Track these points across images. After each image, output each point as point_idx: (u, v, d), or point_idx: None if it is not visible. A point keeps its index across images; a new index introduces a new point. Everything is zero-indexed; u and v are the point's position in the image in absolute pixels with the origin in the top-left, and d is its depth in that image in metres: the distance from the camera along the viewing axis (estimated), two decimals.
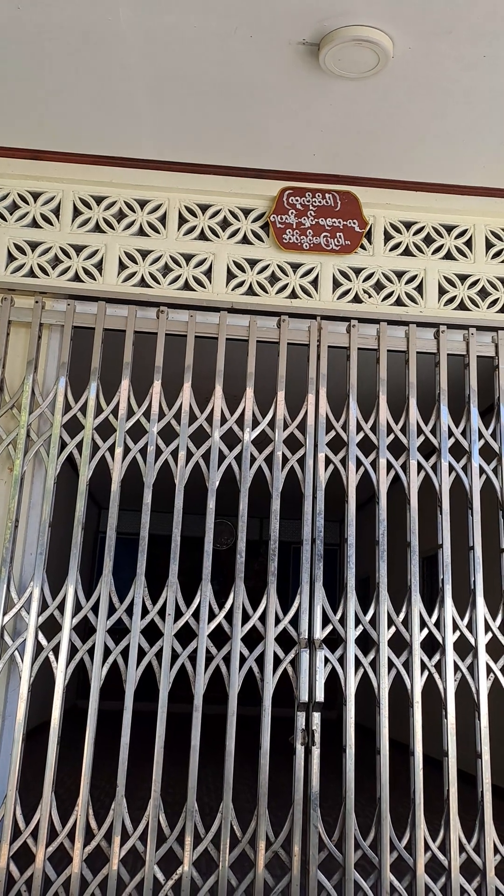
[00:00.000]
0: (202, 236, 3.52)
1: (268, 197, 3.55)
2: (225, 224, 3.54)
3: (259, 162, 3.49)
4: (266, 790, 2.89)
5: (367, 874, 2.86)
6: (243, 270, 3.48)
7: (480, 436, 3.36)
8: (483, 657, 3.14)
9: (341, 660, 3.06)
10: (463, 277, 3.59)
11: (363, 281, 3.55)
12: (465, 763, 3.12)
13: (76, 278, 3.40)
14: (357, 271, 3.56)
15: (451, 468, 3.32)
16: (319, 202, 3.55)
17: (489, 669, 3.13)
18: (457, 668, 3.11)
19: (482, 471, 3.32)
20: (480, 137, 3.20)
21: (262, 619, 3.08)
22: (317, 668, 3.00)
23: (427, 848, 2.90)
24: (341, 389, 3.42)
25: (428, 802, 3.09)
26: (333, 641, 3.07)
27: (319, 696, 2.96)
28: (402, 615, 3.14)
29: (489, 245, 3.64)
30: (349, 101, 2.98)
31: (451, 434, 3.35)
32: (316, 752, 2.92)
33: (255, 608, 3.07)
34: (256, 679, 3.00)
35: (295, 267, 3.52)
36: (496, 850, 2.92)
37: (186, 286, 3.44)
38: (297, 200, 3.54)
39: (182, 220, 3.52)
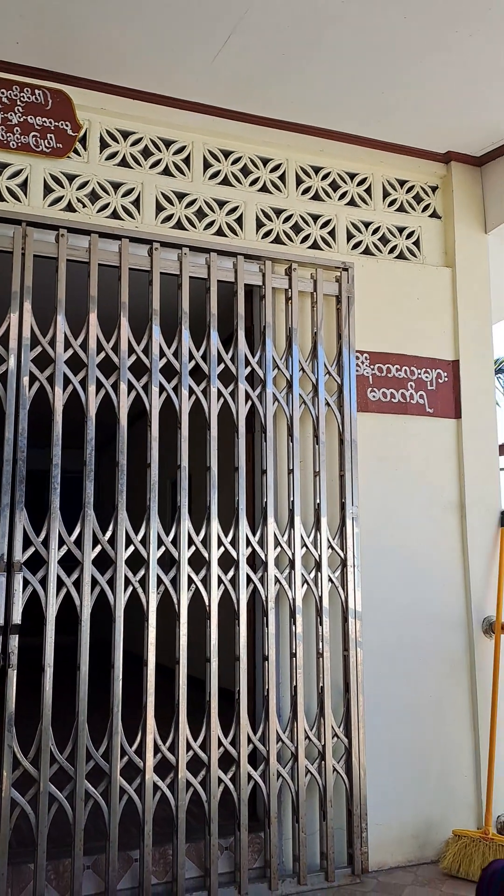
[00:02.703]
0: None
1: None
2: None
3: None
4: None
5: (63, 785, 2.91)
6: None
7: (191, 357, 3.40)
8: (215, 570, 3.27)
9: (44, 581, 3.01)
10: (181, 195, 3.55)
11: (77, 189, 3.37)
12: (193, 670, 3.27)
13: None
14: (70, 178, 3.36)
15: (163, 389, 3.32)
16: (28, 98, 3.27)
17: (220, 581, 3.28)
18: (190, 581, 3.24)
19: (191, 392, 3.37)
20: (188, 49, 3.12)
21: None
22: (14, 590, 2.93)
23: (124, 753, 3.01)
24: (50, 302, 3.25)
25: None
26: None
27: (17, 618, 2.91)
28: (111, 533, 3.15)
29: (207, 165, 3.62)
30: None
31: (162, 355, 3.35)
32: (13, 673, 2.87)
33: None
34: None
35: (0, 167, 3.24)
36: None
37: None
38: (2, 93, 3.23)
39: None
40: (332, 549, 3.52)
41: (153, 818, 3.03)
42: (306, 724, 3.34)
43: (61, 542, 3.06)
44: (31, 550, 3.03)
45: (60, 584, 3.03)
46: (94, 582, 3.08)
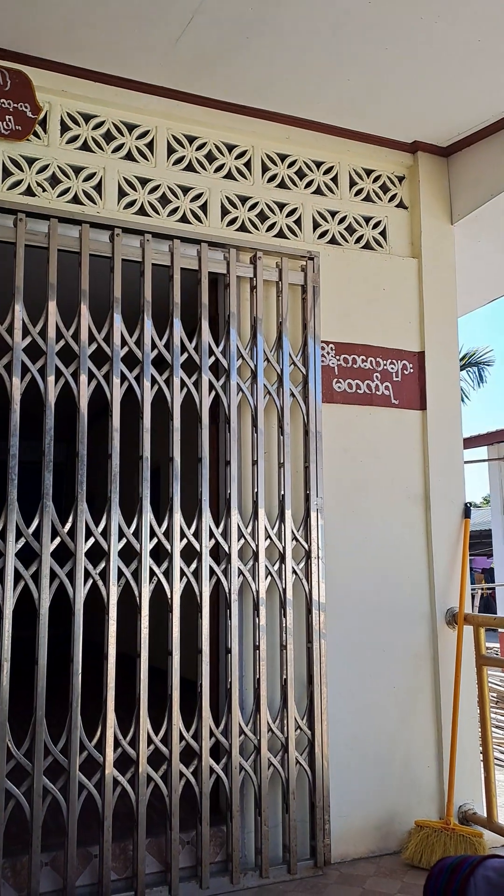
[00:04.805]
0: None
1: None
2: None
3: None
4: None
5: (21, 781, 2.85)
6: None
7: (153, 346, 3.34)
8: (178, 562, 3.22)
9: (0, 574, 2.94)
10: (144, 181, 3.48)
11: (37, 173, 3.28)
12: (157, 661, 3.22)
13: None
14: (30, 161, 3.28)
15: (124, 378, 3.26)
16: None
17: (182, 573, 3.23)
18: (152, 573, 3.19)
19: (154, 381, 3.31)
20: (151, 30, 3.05)
21: None
22: None
23: (83, 748, 2.96)
24: (7, 289, 3.16)
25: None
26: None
27: None
28: (71, 524, 3.09)
29: (171, 150, 3.56)
30: None
31: (124, 343, 3.29)
32: None
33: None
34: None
35: None
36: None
37: None
38: None
39: None
40: (297, 540, 3.49)
41: (113, 813, 2.99)
42: (269, 717, 3.31)
43: (19, 535, 2.99)
44: None
45: (18, 577, 2.96)
46: (54, 575, 3.02)
